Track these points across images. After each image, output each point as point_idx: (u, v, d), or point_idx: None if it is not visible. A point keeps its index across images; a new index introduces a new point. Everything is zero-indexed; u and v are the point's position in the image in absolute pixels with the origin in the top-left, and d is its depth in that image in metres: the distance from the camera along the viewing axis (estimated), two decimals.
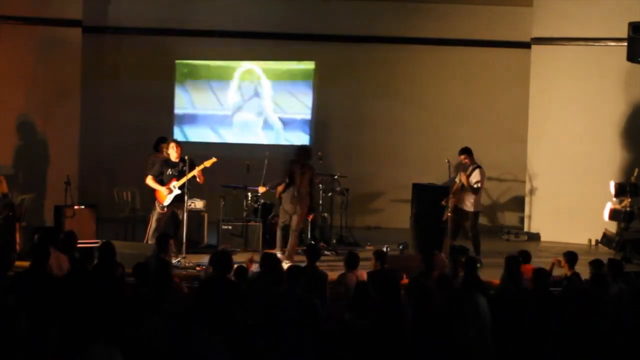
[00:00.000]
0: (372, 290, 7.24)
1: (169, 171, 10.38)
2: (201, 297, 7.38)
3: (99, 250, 8.32)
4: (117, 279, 7.86)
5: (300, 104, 14.75)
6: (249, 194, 12.16)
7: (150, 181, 10.41)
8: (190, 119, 14.78)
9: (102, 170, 14.13)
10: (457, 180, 11.05)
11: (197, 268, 9.85)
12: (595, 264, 8.36)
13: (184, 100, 14.70)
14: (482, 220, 12.80)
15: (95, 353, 5.52)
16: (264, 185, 11.74)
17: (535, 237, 13.74)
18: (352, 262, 8.39)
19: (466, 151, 11.18)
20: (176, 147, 10.41)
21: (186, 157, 10.31)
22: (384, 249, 9.92)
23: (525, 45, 14.01)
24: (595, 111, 13.36)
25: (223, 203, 12.03)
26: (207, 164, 10.43)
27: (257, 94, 14.75)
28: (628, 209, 11.83)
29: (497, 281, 9.01)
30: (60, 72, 13.37)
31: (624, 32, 12.07)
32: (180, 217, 10.33)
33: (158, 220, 10.35)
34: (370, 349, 6.67)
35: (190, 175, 10.25)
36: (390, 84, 14.74)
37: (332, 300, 8.09)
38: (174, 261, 9.78)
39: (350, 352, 6.68)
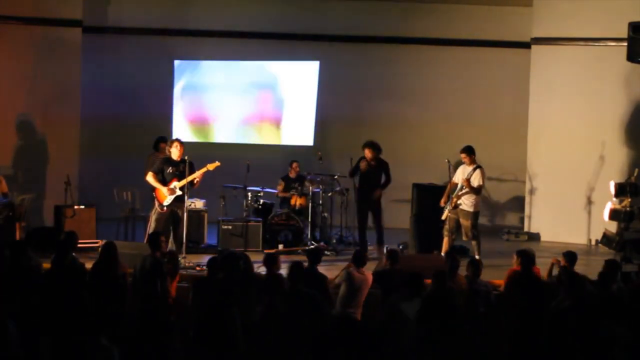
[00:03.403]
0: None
1: (170, 169, 10.33)
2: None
3: (101, 249, 8.40)
4: (117, 278, 7.93)
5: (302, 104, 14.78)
6: (249, 194, 12.16)
7: (150, 178, 10.33)
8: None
9: (102, 170, 14.12)
10: (455, 180, 10.95)
11: (197, 268, 9.85)
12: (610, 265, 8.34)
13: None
14: (482, 220, 12.78)
15: (94, 348, 5.53)
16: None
17: (535, 237, 13.72)
18: (314, 258, 8.35)
19: (467, 150, 10.87)
20: (179, 146, 10.36)
21: (186, 158, 10.28)
22: (385, 248, 9.92)
23: (525, 45, 13.99)
24: (595, 111, 13.35)
25: (223, 203, 12.03)
26: (211, 167, 10.38)
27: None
28: (628, 209, 11.80)
29: (497, 281, 9.03)
30: (60, 72, 13.36)
31: (624, 32, 12.04)
32: (180, 216, 10.30)
33: (157, 220, 10.28)
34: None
35: (192, 177, 10.22)
36: (390, 84, 14.73)
37: None
38: None
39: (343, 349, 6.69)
